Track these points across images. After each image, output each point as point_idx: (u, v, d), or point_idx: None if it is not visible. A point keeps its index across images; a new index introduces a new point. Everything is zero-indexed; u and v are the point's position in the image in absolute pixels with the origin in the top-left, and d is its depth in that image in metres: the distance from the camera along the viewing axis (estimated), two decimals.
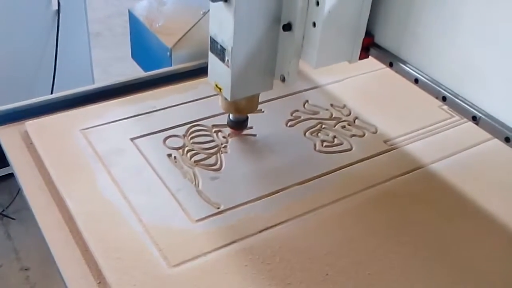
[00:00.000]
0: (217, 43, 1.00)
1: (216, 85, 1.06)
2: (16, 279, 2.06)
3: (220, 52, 1.00)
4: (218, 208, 1.04)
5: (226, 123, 1.22)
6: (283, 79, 1.04)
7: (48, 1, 2.03)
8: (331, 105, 1.35)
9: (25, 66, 2.10)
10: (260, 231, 1.00)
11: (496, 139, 1.25)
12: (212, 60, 1.04)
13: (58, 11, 2.05)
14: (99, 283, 0.91)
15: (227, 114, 1.20)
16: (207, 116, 1.27)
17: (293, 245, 0.98)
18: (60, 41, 2.09)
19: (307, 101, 1.35)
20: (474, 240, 1.02)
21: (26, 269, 2.09)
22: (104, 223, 0.99)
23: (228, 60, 0.99)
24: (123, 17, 3.66)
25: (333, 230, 1.02)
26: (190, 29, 1.43)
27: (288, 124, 1.28)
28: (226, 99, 1.07)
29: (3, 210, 2.26)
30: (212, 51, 1.03)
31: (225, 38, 0.98)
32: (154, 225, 0.99)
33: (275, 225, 1.01)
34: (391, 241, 1.00)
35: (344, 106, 1.35)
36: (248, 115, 1.20)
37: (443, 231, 1.03)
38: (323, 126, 1.28)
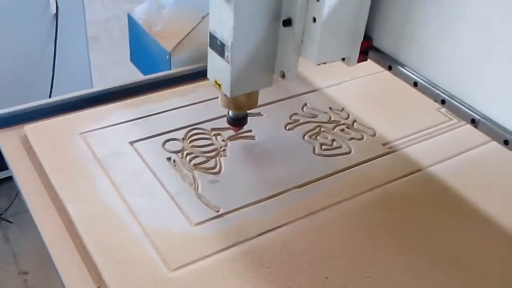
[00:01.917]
0: (216, 39, 1.00)
1: (216, 82, 1.06)
2: (15, 283, 2.05)
3: (220, 48, 1.00)
4: (218, 211, 1.04)
5: (225, 126, 1.22)
6: (283, 75, 1.03)
7: (47, 4, 2.03)
8: (330, 108, 1.35)
9: (24, 69, 2.10)
10: (259, 235, 1.00)
11: (494, 142, 1.26)
12: (212, 56, 1.04)
13: (57, 14, 2.05)
14: (98, 286, 0.91)
15: (227, 112, 1.19)
16: (206, 119, 1.27)
17: (292, 248, 0.98)
18: (59, 44, 2.09)
19: (305, 104, 1.36)
20: (473, 242, 1.02)
21: (24, 273, 2.09)
22: (103, 226, 0.99)
23: (227, 56, 0.99)
24: (121, 21, 3.67)
25: (332, 233, 1.02)
26: (189, 32, 1.43)
27: (287, 128, 1.28)
28: (225, 95, 1.06)
29: (1, 214, 2.25)
30: (211, 47, 1.03)
31: (225, 33, 0.98)
32: (154, 228, 0.99)
33: (275, 228, 1.01)
34: (390, 244, 1.00)
35: (343, 109, 1.35)
36: (248, 118, 1.20)
37: (442, 234, 1.04)
38: (322, 129, 1.28)
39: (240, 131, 1.23)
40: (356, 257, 0.97)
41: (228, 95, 1.04)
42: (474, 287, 0.95)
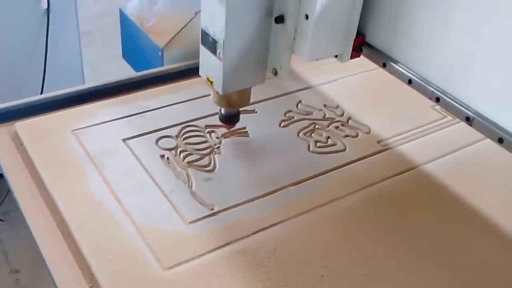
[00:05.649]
0: (208, 35, 0.99)
1: (208, 79, 1.05)
2: (6, 282, 2.04)
3: (212, 45, 0.99)
4: (212, 209, 1.03)
5: (219, 124, 1.21)
6: (275, 73, 1.03)
7: None
8: (324, 105, 1.34)
9: (15, 65, 2.08)
10: (254, 233, 0.99)
11: (489, 139, 1.26)
12: (204, 53, 1.03)
13: (48, 10, 2.03)
14: (91, 286, 0.89)
15: (219, 109, 1.18)
16: (200, 116, 1.26)
17: (288, 247, 0.97)
18: (50, 40, 2.07)
19: (300, 101, 1.35)
20: (469, 240, 1.02)
21: (16, 272, 2.07)
22: (96, 225, 0.98)
23: (219, 53, 0.98)
24: (113, 16, 3.63)
25: (327, 231, 1.01)
26: (182, 28, 1.42)
27: (282, 125, 1.27)
28: (217, 92, 1.05)
29: None
30: (203, 44, 1.02)
31: (217, 30, 0.97)
32: (147, 227, 0.98)
33: (270, 226, 1.01)
34: (386, 242, 1.00)
35: (337, 106, 1.35)
36: (240, 115, 1.19)
37: (438, 231, 1.03)
38: (317, 126, 1.27)
39: (234, 129, 1.22)
40: (351, 255, 0.97)
41: (220, 92, 1.03)
42: (471, 285, 0.95)
